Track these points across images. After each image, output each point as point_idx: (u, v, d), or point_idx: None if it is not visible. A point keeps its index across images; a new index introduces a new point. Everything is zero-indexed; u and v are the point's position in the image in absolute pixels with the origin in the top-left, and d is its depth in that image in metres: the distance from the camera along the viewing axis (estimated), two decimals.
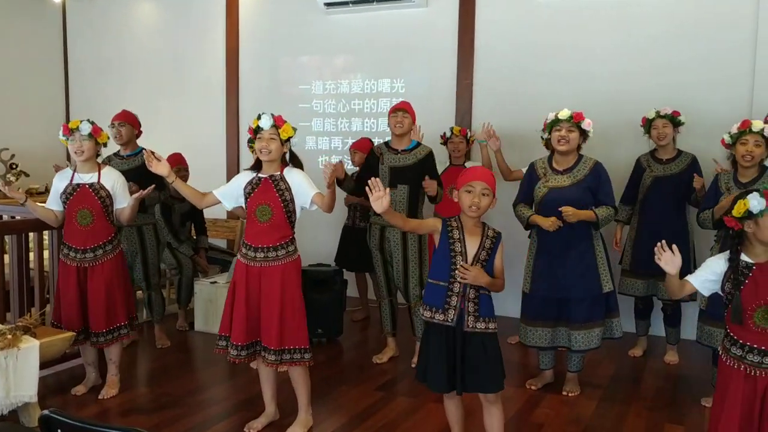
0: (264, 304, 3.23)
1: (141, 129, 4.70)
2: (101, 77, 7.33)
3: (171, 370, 4.34)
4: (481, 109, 5.54)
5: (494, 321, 2.83)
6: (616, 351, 4.63)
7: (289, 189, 3.23)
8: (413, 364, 4.34)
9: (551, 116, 3.75)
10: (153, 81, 7.03)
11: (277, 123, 3.20)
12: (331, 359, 4.55)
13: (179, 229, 5.28)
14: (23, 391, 3.18)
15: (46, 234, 4.23)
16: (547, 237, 3.78)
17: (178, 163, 5.05)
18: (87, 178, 3.69)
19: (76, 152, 3.65)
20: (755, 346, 2.43)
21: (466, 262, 2.76)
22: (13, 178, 6.66)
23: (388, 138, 4.43)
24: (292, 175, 3.26)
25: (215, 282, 5.15)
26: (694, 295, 3.52)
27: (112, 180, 3.73)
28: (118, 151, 4.63)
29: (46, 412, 1.70)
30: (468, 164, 4.84)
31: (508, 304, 4.72)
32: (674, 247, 2.52)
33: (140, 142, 4.64)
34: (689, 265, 3.79)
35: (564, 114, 3.70)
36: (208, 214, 5.51)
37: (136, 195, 3.71)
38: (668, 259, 2.52)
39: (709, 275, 2.56)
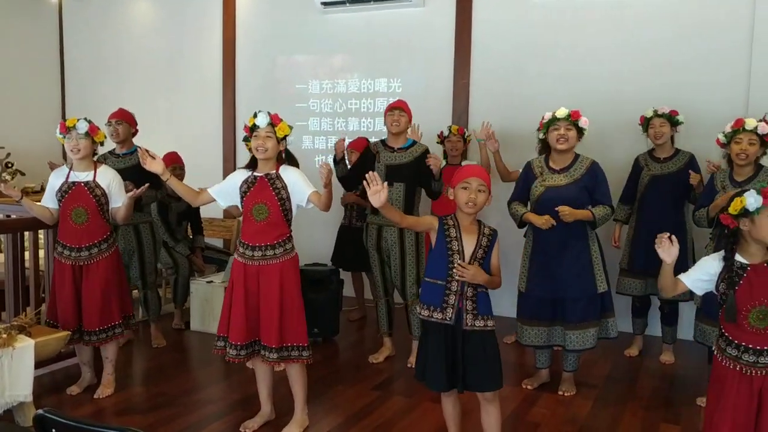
0: (263, 303, 3.22)
1: (137, 127, 4.70)
2: (97, 76, 7.32)
3: (167, 369, 4.33)
4: (478, 109, 5.54)
5: (492, 319, 2.83)
6: (612, 351, 4.63)
7: (285, 187, 3.23)
8: (409, 364, 4.34)
9: (548, 115, 3.75)
10: (149, 79, 7.02)
11: (274, 121, 3.20)
12: (327, 359, 4.55)
13: (176, 228, 5.27)
14: (18, 390, 3.17)
15: (41, 233, 4.22)
16: (543, 236, 3.78)
17: (174, 161, 5.05)
18: (83, 176, 3.68)
19: (72, 150, 3.64)
20: (750, 346, 2.44)
21: (464, 261, 2.76)
22: (8, 177, 6.64)
23: (384, 138, 4.42)
24: (288, 173, 3.26)
25: (211, 281, 5.14)
26: (690, 295, 3.52)
27: (108, 179, 3.73)
28: (114, 149, 4.63)
29: (40, 411, 1.69)
30: (464, 163, 4.84)
31: (504, 303, 4.72)
32: (673, 237, 2.52)
33: (136, 140, 4.63)
34: (687, 263, 3.79)
35: (561, 113, 3.70)
36: (205, 213, 5.51)
37: (130, 194, 3.70)
38: (667, 248, 2.51)
39: (701, 275, 2.56)
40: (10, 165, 6.82)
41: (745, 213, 2.43)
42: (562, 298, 3.78)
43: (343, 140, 4.45)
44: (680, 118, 4.34)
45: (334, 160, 4.42)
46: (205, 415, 3.59)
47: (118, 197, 3.74)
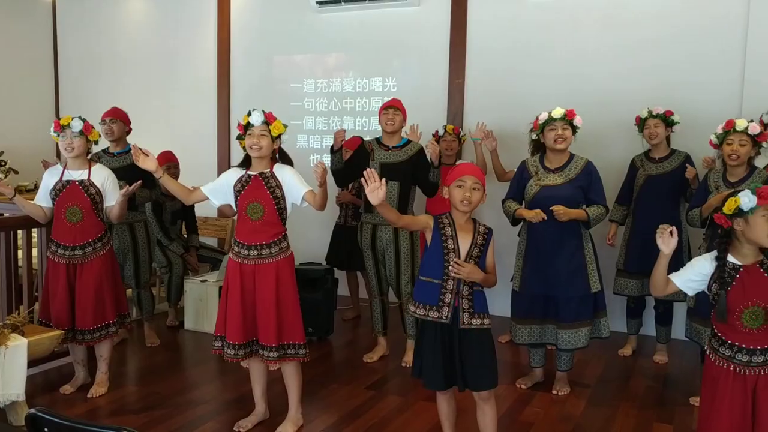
0: (260, 302, 3.21)
1: (131, 126, 4.69)
2: (91, 74, 7.29)
3: (161, 368, 4.32)
4: (473, 108, 5.54)
5: (488, 317, 2.84)
6: (606, 350, 4.64)
7: (279, 186, 3.22)
8: (404, 363, 4.34)
9: (544, 116, 3.76)
10: (144, 78, 6.99)
11: (268, 119, 3.19)
12: (321, 358, 4.54)
13: (170, 227, 5.26)
14: (11, 389, 3.16)
15: (34, 231, 4.20)
16: (537, 236, 3.79)
17: (168, 160, 5.05)
18: (77, 175, 3.67)
19: (66, 149, 3.63)
20: (743, 345, 2.45)
21: (459, 259, 2.77)
22: (1, 176, 6.61)
23: (380, 136, 4.42)
24: (282, 172, 3.25)
25: (205, 280, 5.13)
26: (685, 296, 3.53)
27: (103, 177, 3.72)
28: (107, 148, 4.61)
29: (32, 410, 1.68)
30: (459, 162, 4.84)
31: (499, 302, 4.72)
32: (674, 230, 2.51)
33: (130, 139, 4.62)
34: (682, 262, 3.81)
35: (558, 112, 3.71)
36: (199, 212, 5.49)
37: (123, 191, 3.69)
38: (667, 239, 2.51)
39: (693, 276, 2.55)
40: (3, 163, 6.79)
41: (739, 213, 2.43)
42: (556, 296, 3.78)
43: (344, 131, 4.44)
44: (675, 118, 4.34)
45: (331, 150, 4.40)
46: (199, 414, 3.59)
47: (113, 196, 3.73)
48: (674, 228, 2.52)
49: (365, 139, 4.75)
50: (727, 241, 2.49)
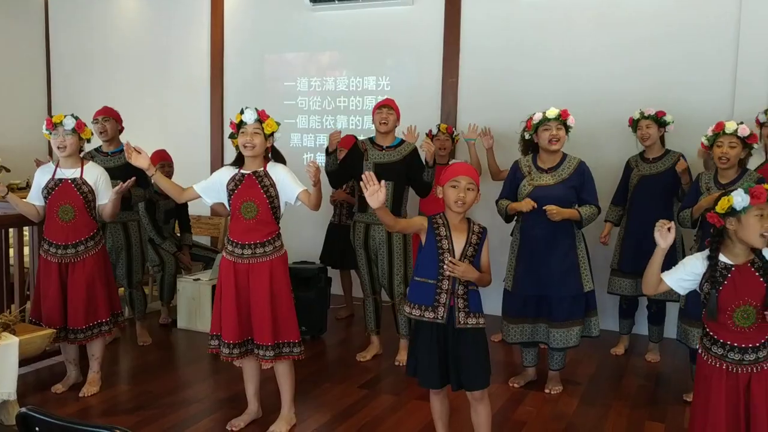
0: (254, 301, 3.21)
1: (123, 125, 4.67)
2: (84, 72, 7.25)
3: (153, 367, 4.31)
4: (467, 108, 5.54)
5: (483, 316, 2.84)
6: (598, 349, 4.65)
7: (273, 185, 3.22)
8: (397, 362, 4.35)
9: (538, 116, 3.76)
10: (136, 76, 6.97)
11: (261, 117, 3.19)
12: (314, 357, 4.54)
13: (163, 225, 5.24)
14: (2, 388, 3.14)
15: (26, 230, 4.18)
16: (530, 235, 3.80)
17: (162, 159, 5.04)
18: (69, 173, 3.66)
19: (59, 147, 3.62)
20: (735, 344, 2.47)
21: (454, 259, 2.77)
22: None
23: (373, 135, 4.42)
24: (276, 170, 3.24)
25: (198, 279, 5.11)
26: (677, 295, 3.55)
27: (95, 175, 3.70)
28: (100, 147, 4.59)
29: (23, 409, 1.67)
30: (452, 162, 4.84)
31: (491, 301, 4.72)
32: (672, 226, 2.52)
33: (123, 137, 4.60)
34: (676, 261, 3.82)
35: (552, 113, 3.71)
36: (192, 210, 5.48)
37: (116, 189, 3.68)
38: (664, 234, 2.52)
39: (684, 275, 2.57)
40: None
41: (731, 212, 2.45)
42: (549, 296, 3.79)
43: (339, 132, 4.43)
44: (668, 118, 4.34)
45: (327, 152, 4.40)
46: (191, 413, 3.58)
47: (105, 194, 3.72)
48: (673, 224, 2.53)
49: (359, 137, 4.75)
50: (719, 240, 2.51)
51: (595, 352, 4.62)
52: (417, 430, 3.39)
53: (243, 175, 3.23)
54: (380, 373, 4.25)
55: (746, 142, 3.65)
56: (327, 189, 4.89)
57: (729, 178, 3.68)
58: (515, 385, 4.00)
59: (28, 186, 4.94)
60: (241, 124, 3.19)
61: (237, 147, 3.25)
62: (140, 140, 3.91)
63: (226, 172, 3.28)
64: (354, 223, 4.44)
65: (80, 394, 3.73)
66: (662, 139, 4.42)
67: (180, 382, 4.10)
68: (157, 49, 6.86)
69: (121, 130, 4.64)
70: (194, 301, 5.05)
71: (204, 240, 6.24)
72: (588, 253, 3.90)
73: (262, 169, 3.23)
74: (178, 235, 5.46)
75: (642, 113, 4.37)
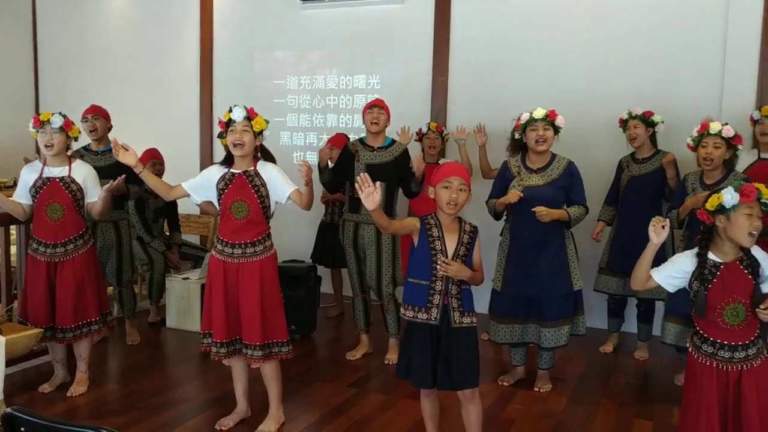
0: (244, 301, 3.20)
1: (111, 123, 4.64)
2: (72, 70, 7.20)
3: (142, 367, 4.29)
4: (457, 107, 5.55)
5: (475, 315, 2.85)
6: (587, 347, 4.67)
7: (264, 185, 3.20)
8: (386, 361, 4.35)
9: (525, 116, 3.76)
10: (125, 74, 6.92)
11: (250, 115, 3.17)
12: (304, 356, 4.53)
13: (152, 224, 5.22)
14: None
15: (13, 228, 4.15)
16: (520, 236, 3.80)
17: (153, 157, 5.03)
18: (57, 171, 3.63)
19: (46, 145, 3.59)
20: (725, 342, 2.49)
21: (447, 259, 2.77)
22: None
23: (363, 134, 4.41)
24: (266, 170, 3.23)
25: (187, 278, 5.09)
26: (664, 294, 3.57)
27: (83, 174, 3.68)
28: (88, 145, 4.56)
29: (8, 410, 1.66)
30: (441, 161, 4.85)
31: (481, 300, 4.73)
32: (666, 224, 2.53)
33: (112, 135, 4.57)
34: (665, 260, 3.85)
35: (539, 113, 3.71)
36: (181, 209, 5.46)
37: (106, 186, 3.66)
38: (658, 230, 2.52)
39: (673, 272, 2.58)
40: None
41: (721, 210, 2.46)
42: (539, 296, 3.80)
43: (329, 147, 4.43)
44: (656, 118, 4.35)
45: (318, 167, 4.39)
46: (180, 412, 3.56)
47: (94, 192, 3.70)
48: (667, 221, 2.54)
49: (349, 136, 4.75)
50: (709, 238, 2.52)
51: (584, 351, 4.63)
52: (406, 429, 3.39)
53: (233, 174, 3.21)
54: (370, 372, 4.25)
55: (731, 143, 3.67)
56: (318, 188, 4.88)
57: (714, 179, 3.70)
58: (504, 384, 4.01)
59: (15, 184, 4.90)
60: (230, 123, 3.17)
61: (226, 146, 3.24)
62: (129, 138, 3.88)
63: (216, 171, 3.27)
64: (343, 222, 4.43)
65: (68, 394, 3.71)
66: (653, 139, 4.43)
67: (169, 381, 4.08)
68: (146, 46, 6.82)
69: (110, 129, 4.62)
70: (183, 300, 5.03)
71: (193, 239, 6.22)
72: (577, 251, 3.91)
73: (252, 168, 3.22)
74: (167, 234, 5.44)
75: (630, 113, 4.39)
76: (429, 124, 5.06)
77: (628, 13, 5.06)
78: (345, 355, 4.48)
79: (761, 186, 2.48)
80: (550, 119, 3.71)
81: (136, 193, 4.58)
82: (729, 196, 2.44)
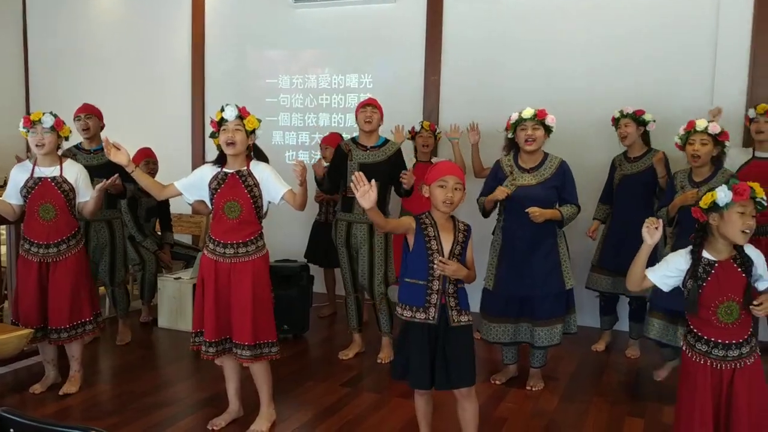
0: (235, 301, 3.19)
1: (104, 122, 4.63)
2: (62, 69, 7.16)
3: (134, 367, 4.27)
4: (449, 106, 5.56)
5: (470, 313, 2.86)
6: (579, 346, 4.68)
7: (257, 185, 3.20)
8: (379, 360, 4.35)
9: (515, 116, 3.77)
10: (116, 73, 6.90)
11: (242, 114, 3.16)
12: (296, 355, 4.53)
13: (144, 223, 5.20)
14: None
15: (3, 229, 4.13)
16: (513, 236, 3.81)
17: (147, 156, 5.04)
18: (48, 171, 3.61)
19: (37, 145, 3.57)
20: (719, 341, 2.50)
21: (444, 258, 2.77)
22: None
23: (355, 134, 4.41)
24: (259, 169, 3.22)
25: (179, 278, 5.08)
26: None
27: (75, 173, 3.67)
28: (80, 144, 4.54)
29: None
30: (434, 160, 4.85)
31: (473, 299, 4.74)
32: (659, 224, 2.54)
33: (103, 134, 4.56)
34: (658, 260, 3.87)
35: (528, 113, 3.71)
36: (173, 209, 5.45)
37: (99, 186, 3.64)
38: (651, 232, 2.53)
39: (668, 271, 2.60)
40: None
41: (714, 207, 2.48)
42: (531, 296, 3.81)
43: (322, 161, 4.42)
44: (647, 117, 4.37)
45: (317, 181, 4.40)
46: (172, 412, 3.55)
47: (86, 191, 3.69)
48: (660, 222, 2.55)
49: (343, 136, 4.74)
50: (703, 236, 2.54)
51: (576, 349, 4.65)
52: (399, 428, 3.40)
53: (226, 174, 3.20)
54: (362, 371, 4.25)
55: (717, 140, 3.69)
56: (312, 188, 4.88)
57: (703, 176, 3.73)
58: (497, 382, 4.02)
59: (4, 184, 4.87)
60: (221, 122, 3.16)
61: (218, 146, 3.22)
62: (120, 137, 3.87)
63: (209, 170, 3.25)
64: (336, 221, 4.43)
65: (60, 393, 3.70)
66: (646, 138, 4.44)
67: (161, 381, 4.07)
68: (137, 45, 6.80)
69: (102, 128, 4.60)
70: (175, 300, 5.02)
71: (185, 238, 6.20)
72: (568, 250, 3.92)
73: (245, 168, 3.21)
74: (159, 233, 5.42)
75: (621, 112, 4.40)
76: (422, 123, 5.06)
77: (622, 14, 5.08)
78: (337, 354, 4.48)
79: (755, 185, 2.49)
80: (539, 119, 3.71)
81: (131, 191, 4.56)
82: (722, 195, 2.46)
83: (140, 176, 3.33)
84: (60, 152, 3.77)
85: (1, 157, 5.73)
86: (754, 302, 2.45)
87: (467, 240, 2.84)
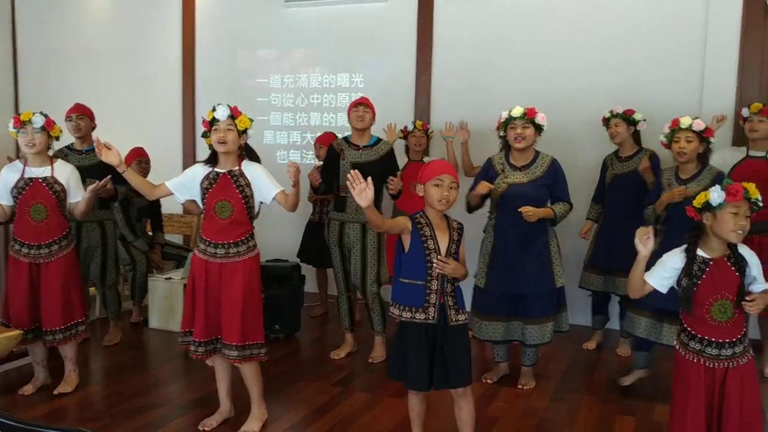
0: (225, 301, 3.18)
1: (95, 122, 4.61)
2: (52, 69, 7.11)
3: (125, 367, 4.26)
4: (440, 105, 5.56)
5: (466, 311, 2.87)
6: (571, 344, 4.70)
7: (249, 184, 3.19)
8: (371, 360, 4.35)
9: (504, 115, 3.78)
10: (106, 73, 6.86)
11: (234, 113, 3.16)
12: (288, 355, 4.52)
13: (136, 223, 5.18)
14: None
15: None
16: (505, 235, 3.82)
17: (139, 155, 5.03)
18: (39, 172, 3.60)
19: (27, 145, 3.55)
20: (713, 339, 2.51)
21: (441, 257, 2.77)
22: None
23: (347, 133, 4.41)
24: (251, 169, 3.22)
25: (170, 278, 5.07)
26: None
27: (66, 174, 3.65)
28: (71, 144, 4.52)
29: None
30: (426, 159, 4.86)
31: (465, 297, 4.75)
32: (650, 233, 2.54)
33: (94, 134, 4.54)
34: (652, 261, 3.89)
35: (517, 111, 3.73)
36: (164, 209, 5.43)
37: (91, 187, 3.63)
38: (644, 242, 2.54)
39: (664, 272, 2.60)
40: None
41: (707, 207, 2.49)
42: (523, 294, 3.82)
43: (316, 171, 4.44)
44: (637, 116, 4.39)
45: (313, 189, 4.40)
46: (164, 413, 3.54)
47: (77, 192, 3.68)
48: (651, 231, 2.55)
49: (337, 135, 4.74)
50: (697, 234, 2.55)
51: (567, 347, 4.66)
52: (391, 427, 3.40)
53: (218, 173, 3.19)
54: (354, 371, 4.25)
55: (703, 137, 3.71)
56: (305, 188, 4.88)
57: (689, 173, 3.74)
58: (488, 381, 4.03)
59: None
60: (213, 121, 3.16)
61: (210, 146, 3.22)
62: (111, 137, 3.86)
63: (200, 170, 3.25)
64: (329, 221, 4.43)
65: (54, 392, 3.69)
66: (637, 137, 4.46)
67: (151, 382, 4.05)
68: (128, 45, 6.77)
69: (93, 128, 4.58)
70: (166, 300, 5.00)
71: (176, 239, 6.18)
72: (559, 248, 3.93)
73: (237, 168, 3.20)
74: (150, 233, 5.40)
75: (612, 112, 4.42)
76: (415, 122, 5.06)
77: (611, 15, 5.10)
78: (329, 354, 4.47)
79: (750, 186, 2.50)
80: (529, 117, 3.72)
81: (123, 194, 4.55)
82: (716, 195, 2.48)
83: (131, 176, 3.31)
84: (51, 152, 3.75)
85: None
86: (747, 299, 2.46)
87: (461, 238, 2.85)
